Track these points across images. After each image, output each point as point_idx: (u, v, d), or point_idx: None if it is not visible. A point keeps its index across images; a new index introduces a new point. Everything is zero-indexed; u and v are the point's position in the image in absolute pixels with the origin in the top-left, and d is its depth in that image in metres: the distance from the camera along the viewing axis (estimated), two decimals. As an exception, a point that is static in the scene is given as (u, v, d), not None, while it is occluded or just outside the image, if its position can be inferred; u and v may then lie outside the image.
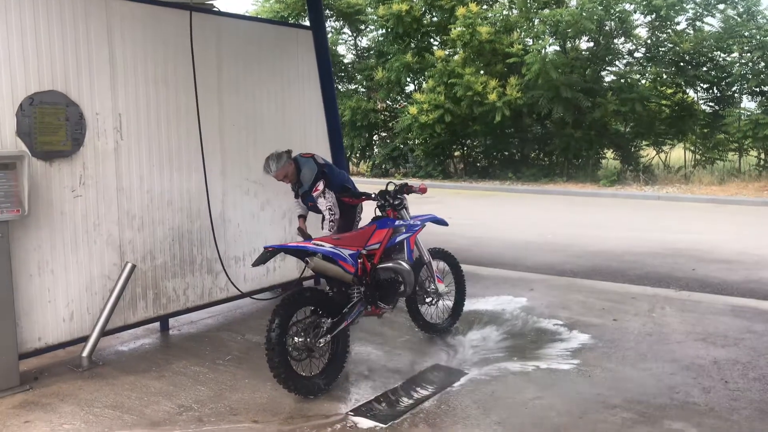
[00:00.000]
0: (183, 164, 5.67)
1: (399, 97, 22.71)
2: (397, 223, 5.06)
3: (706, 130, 19.07)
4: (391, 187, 5.22)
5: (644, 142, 20.20)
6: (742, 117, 17.80)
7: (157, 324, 5.66)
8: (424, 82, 20.89)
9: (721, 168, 18.99)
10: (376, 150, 23.28)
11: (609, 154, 20.67)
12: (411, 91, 22.10)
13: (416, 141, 21.14)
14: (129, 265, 5.04)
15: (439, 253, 5.57)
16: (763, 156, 18.23)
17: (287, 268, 6.65)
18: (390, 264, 4.91)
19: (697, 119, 19.11)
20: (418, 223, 5.23)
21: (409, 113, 19.79)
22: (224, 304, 6.19)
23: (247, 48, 6.24)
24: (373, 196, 5.23)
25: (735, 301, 6.33)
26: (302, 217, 5.73)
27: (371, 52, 23.70)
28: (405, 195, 5.21)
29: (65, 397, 4.31)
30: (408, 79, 21.71)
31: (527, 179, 19.43)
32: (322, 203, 5.30)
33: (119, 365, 4.90)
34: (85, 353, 4.83)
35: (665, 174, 18.68)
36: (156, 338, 5.57)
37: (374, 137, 23.56)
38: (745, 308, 6.04)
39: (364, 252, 4.76)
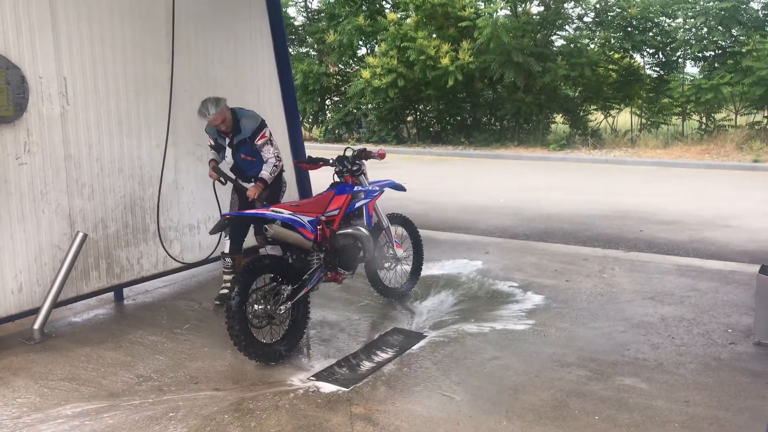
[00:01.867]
0: (133, 130, 5.50)
1: (351, 61, 22.45)
2: (355, 188, 5.05)
3: (651, 95, 19.51)
4: (349, 153, 5.19)
5: (592, 107, 20.56)
6: (686, 82, 18.29)
7: (111, 294, 5.54)
8: (376, 46, 20.67)
9: (665, 132, 19.52)
10: (328, 115, 23.04)
11: (558, 118, 20.98)
12: (363, 55, 21.87)
13: (369, 106, 21.01)
14: (80, 235, 4.89)
15: (397, 219, 5.59)
16: (704, 120, 18.81)
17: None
18: (349, 230, 4.91)
19: (643, 84, 19.54)
20: (377, 188, 5.23)
21: (362, 77, 19.60)
22: (179, 273, 6.10)
23: (198, 8, 6.04)
24: (331, 161, 5.19)
25: (680, 260, 6.59)
26: (214, 161, 5.44)
27: (322, 14, 23.27)
28: (363, 160, 5.19)
29: (17, 371, 4.20)
30: (360, 43, 21.45)
31: (479, 144, 19.59)
32: (270, 150, 5.26)
33: (73, 337, 4.79)
34: (36, 325, 4.70)
35: (613, 138, 19.10)
36: (110, 308, 5.47)
37: (326, 102, 23.29)
38: (690, 267, 6.29)
39: (323, 218, 4.74)
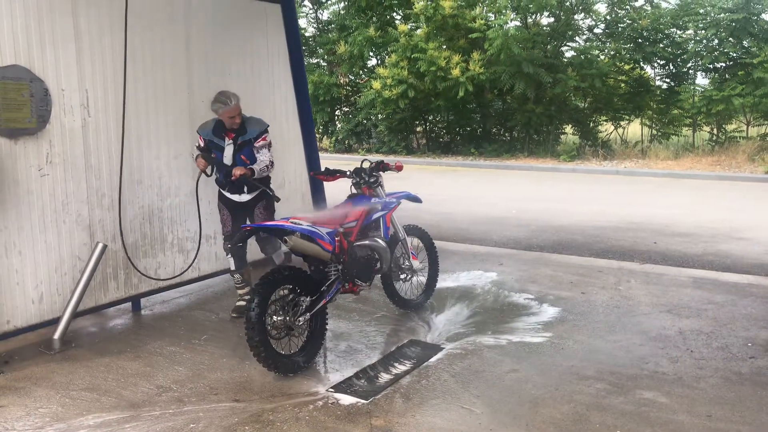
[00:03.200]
0: (152, 142, 5.55)
1: (362, 72, 22.56)
2: (372, 200, 5.07)
3: (662, 106, 19.52)
4: (366, 165, 5.22)
5: (602, 118, 20.59)
6: (696, 93, 18.27)
7: (128, 304, 5.57)
8: (387, 57, 20.76)
9: (675, 143, 19.50)
10: (339, 125, 23.15)
11: (568, 129, 21.00)
12: (373, 66, 21.97)
13: (379, 116, 21.09)
14: (100, 245, 4.93)
15: (413, 230, 5.61)
16: (715, 131, 18.77)
17: (253, 251, 6.59)
18: (367, 242, 4.93)
19: (653, 95, 19.55)
20: (394, 200, 5.25)
21: (372, 88, 19.69)
22: (196, 283, 6.13)
23: (215, 21, 6.10)
24: (348, 173, 5.22)
25: (696, 273, 6.57)
26: (201, 152, 5.20)
27: (332, 25, 23.42)
28: (380, 172, 5.22)
29: (39, 381, 4.23)
30: (371, 54, 21.56)
31: (489, 154, 19.62)
32: (266, 153, 5.20)
33: (92, 347, 4.82)
34: (56, 335, 4.73)
35: (623, 149, 19.10)
36: (128, 318, 5.50)
37: (336, 112, 23.40)
38: (705, 280, 6.27)
39: (341, 230, 4.76)
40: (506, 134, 21.22)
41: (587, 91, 19.07)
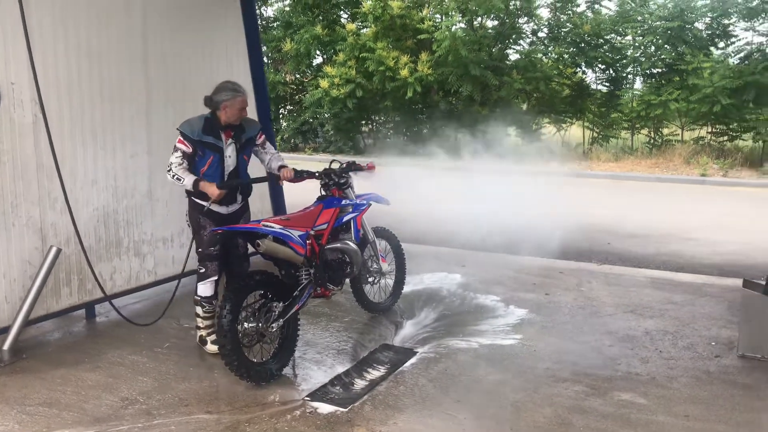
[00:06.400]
0: (107, 140, 5.27)
1: (308, 70, 22.30)
2: (343, 202, 4.96)
3: (602, 109, 20.06)
4: (335, 165, 5.09)
5: (545, 120, 21.00)
6: (635, 97, 18.88)
7: (82, 311, 5.27)
8: (334, 56, 20.57)
9: (615, 145, 20.09)
10: (284, 124, 22.79)
11: (511, 131, 21.33)
12: (319, 64, 21.73)
13: (326, 115, 20.88)
14: (54, 250, 4.64)
15: (380, 232, 5.53)
16: (652, 134, 19.44)
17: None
18: (338, 244, 4.81)
19: (594, 99, 20.09)
20: (364, 202, 5.15)
21: (319, 87, 19.47)
22: (152, 288, 5.86)
23: (173, 14, 5.85)
24: (316, 174, 5.07)
25: (653, 273, 6.73)
26: (204, 180, 4.35)
27: (277, 23, 23.05)
28: (351, 173, 5.11)
29: (-10, 396, 3.94)
30: (317, 52, 21.33)
31: (436, 156, 19.71)
32: (271, 148, 4.85)
33: (46, 358, 4.53)
34: (5, 346, 4.42)
35: (565, 151, 19.53)
36: (83, 326, 5.20)
37: (281, 111, 23.05)
38: (663, 280, 6.43)
39: (312, 233, 4.63)
40: (451, 136, 21.37)
41: (530, 94, 19.42)
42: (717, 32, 18.63)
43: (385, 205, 5.49)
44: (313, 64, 22.04)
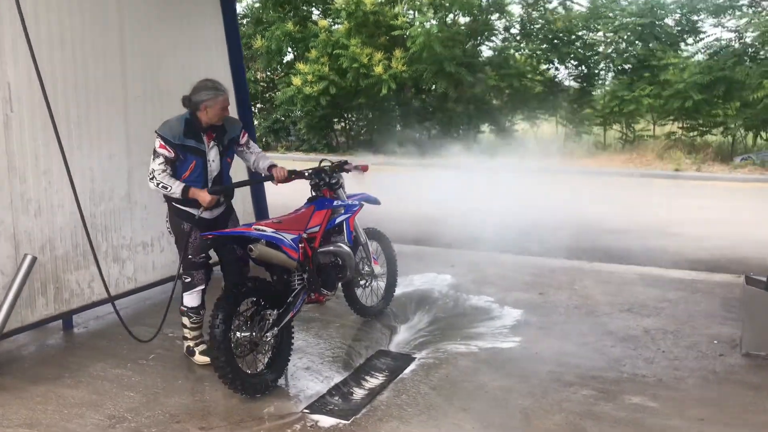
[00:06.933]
0: (84, 140, 4.98)
1: (279, 67, 21.97)
2: (335, 203, 4.76)
3: (575, 105, 20.17)
4: (326, 164, 4.89)
5: (519, 116, 21.03)
6: (608, 94, 19.01)
7: (59, 322, 4.98)
8: (306, 53, 20.28)
9: (588, 141, 20.21)
10: (255, 122, 22.41)
11: (485, 128, 21.31)
12: (290, 61, 21.41)
13: (299, 113, 20.59)
14: (29, 258, 4.35)
15: (372, 233, 5.35)
16: (625, 130, 19.60)
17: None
18: (331, 247, 4.62)
19: (567, 95, 20.18)
20: (356, 203, 4.97)
21: (292, 84, 19.18)
22: (131, 296, 5.58)
23: (151, 12, 5.57)
24: (306, 174, 4.85)
25: (642, 270, 6.67)
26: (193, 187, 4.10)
27: (247, 19, 22.65)
28: (341, 173, 4.92)
29: (-36, 418, 3.65)
30: (289, 49, 21.01)
31: (410, 153, 19.58)
32: (255, 147, 4.58)
33: (23, 373, 4.24)
34: (-21, 362, 4.13)
35: (539, 147, 19.58)
36: (60, 338, 4.91)
37: (252, 109, 22.67)
38: (653, 277, 6.37)
39: (304, 236, 4.42)
40: (425, 133, 21.27)
41: (504, 91, 19.40)
42: (686, 28, 18.87)
43: (375, 205, 5.32)
44: (284, 62, 21.71)
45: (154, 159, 4.07)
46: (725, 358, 4.42)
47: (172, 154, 4.05)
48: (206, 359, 4.31)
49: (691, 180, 14.78)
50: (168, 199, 4.24)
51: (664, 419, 3.60)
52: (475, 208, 10.64)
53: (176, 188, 4.05)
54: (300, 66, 19.42)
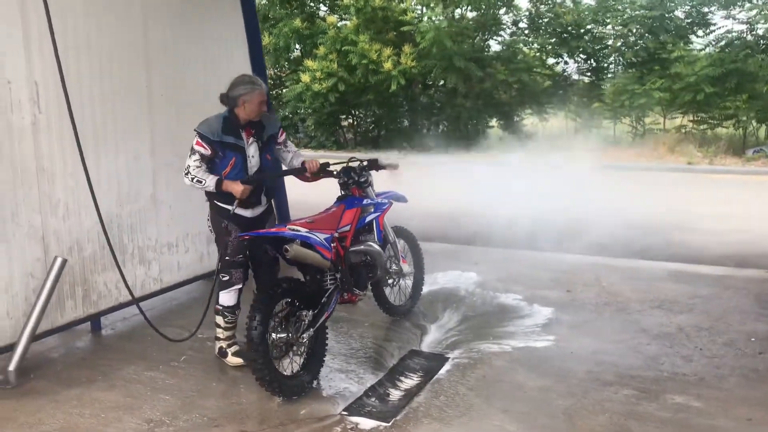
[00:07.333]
0: (110, 141, 4.93)
1: (286, 64, 21.90)
2: (365, 202, 4.71)
3: (584, 99, 20.06)
4: (354, 164, 4.83)
5: (528, 111, 20.94)
6: (618, 87, 18.89)
7: (87, 324, 4.94)
8: (314, 49, 20.20)
9: (597, 135, 20.10)
10: (263, 119, 22.37)
11: (494, 123, 21.23)
12: (296, 58, 21.32)
13: (308, 110, 20.52)
14: (59, 260, 4.31)
15: (399, 231, 5.30)
16: (635, 124, 19.49)
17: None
18: (361, 246, 4.57)
19: (576, 88, 20.08)
20: (386, 201, 4.91)
21: (300, 81, 19.11)
22: (157, 297, 5.54)
23: (173, 10, 5.51)
24: (335, 173, 4.79)
25: (670, 266, 6.59)
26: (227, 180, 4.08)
27: (254, 16, 22.58)
28: (371, 172, 4.86)
29: (1, 422, 3.61)
30: (297, 46, 20.94)
31: (420, 149, 19.51)
32: (292, 146, 4.57)
33: (56, 377, 4.20)
34: (12, 366, 4.07)
35: (549, 142, 19.47)
36: (89, 341, 4.87)
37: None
38: (682, 273, 6.31)
39: (336, 235, 4.37)
40: (434, 128, 21.19)
41: (511, 85, 19.29)
42: (696, 21, 18.75)
43: (404, 203, 5.26)
44: (292, 58, 21.64)
45: (190, 156, 4.09)
46: (765, 355, 4.36)
47: (209, 152, 4.05)
48: (239, 361, 4.28)
49: (704, 173, 14.67)
50: (210, 197, 4.22)
51: (710, 419, 3.54)
52: (487, 203, 10.51)
53: (210, 182, 4.05)
54: (308, 63, 19.34)
